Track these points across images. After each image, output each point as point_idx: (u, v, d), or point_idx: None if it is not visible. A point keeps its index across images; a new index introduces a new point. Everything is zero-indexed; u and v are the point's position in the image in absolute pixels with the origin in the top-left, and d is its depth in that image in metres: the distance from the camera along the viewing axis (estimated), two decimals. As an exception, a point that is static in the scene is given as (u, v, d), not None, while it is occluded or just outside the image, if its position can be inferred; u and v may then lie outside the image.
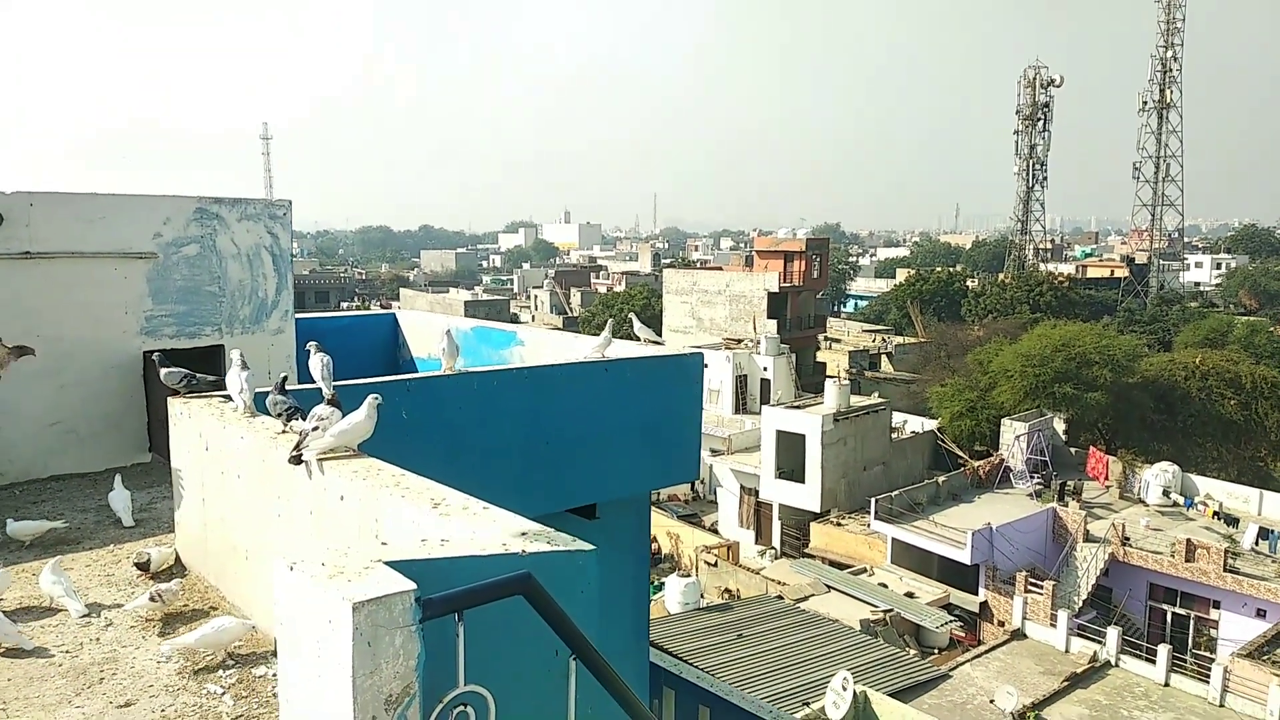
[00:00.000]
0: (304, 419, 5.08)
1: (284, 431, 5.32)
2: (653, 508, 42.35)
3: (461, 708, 2.85)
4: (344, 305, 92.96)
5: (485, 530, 3.47)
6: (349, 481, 4.41)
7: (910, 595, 30.83)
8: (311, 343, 6.32)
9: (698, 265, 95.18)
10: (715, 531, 41.21)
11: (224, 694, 4.72)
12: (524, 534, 3.41)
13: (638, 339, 9.21)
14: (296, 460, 4.78)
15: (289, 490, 4.91)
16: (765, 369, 49.89)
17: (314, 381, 6.14)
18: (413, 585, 2.68)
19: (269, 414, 5.65)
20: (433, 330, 11.48)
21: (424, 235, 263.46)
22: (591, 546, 3.33)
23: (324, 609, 2.66)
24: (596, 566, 3.33)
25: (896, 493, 34.94)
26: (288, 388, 5.80)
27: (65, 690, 4.78)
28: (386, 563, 2.83)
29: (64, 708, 4.60)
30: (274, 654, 4.50)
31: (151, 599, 5.87)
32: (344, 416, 4.90)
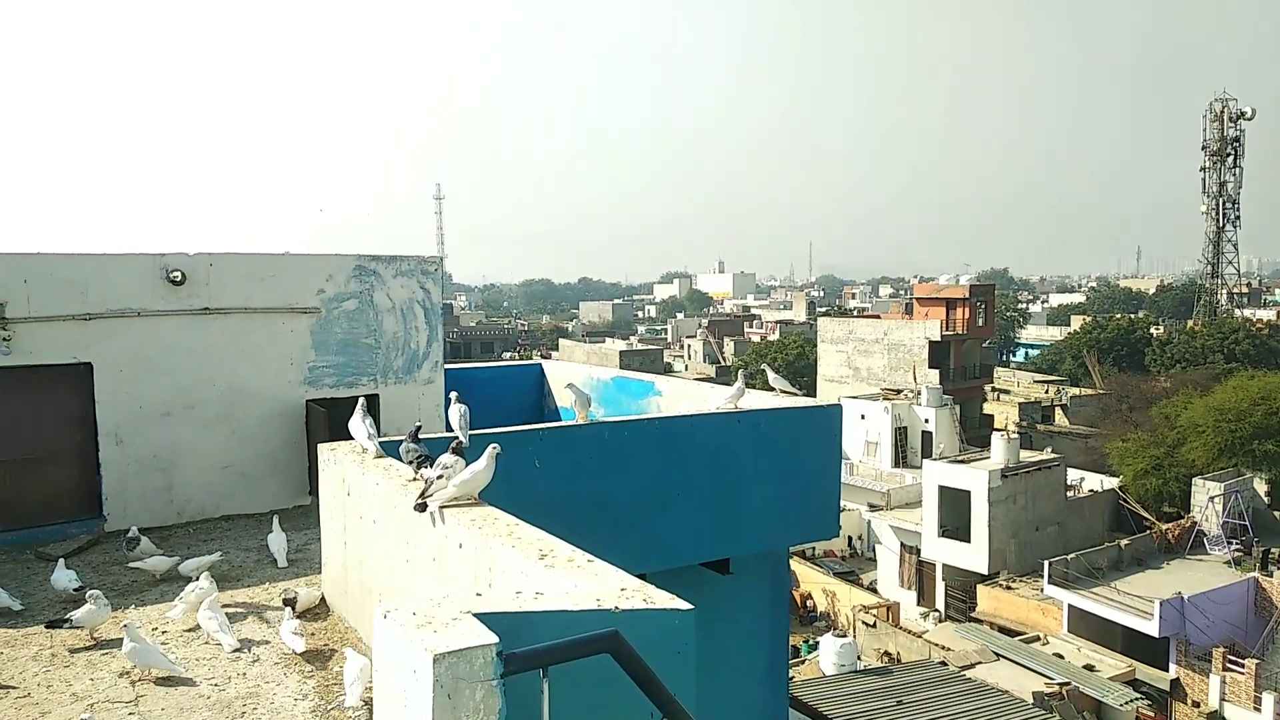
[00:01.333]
0: (432, 467, 5.25)
1: (414, 479, 5.50)
2: (807, 563, 41.40)
3: (547, 766, 2.79)
4: (506, 355, 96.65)
5: (584, 584, 3.43)
6: (467, 530, 4.49)
7: (1089, 668, 28.44)
8: (453, 393, 6.59)
9: (854, 313, 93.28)
10: (874, 590, 39.61)
11: (349, 735, 4.85)
12: (622, 590, 3.34)
13: (773, 390, 9.02)
14: (421, 508, 4.92)
15: (415, 536, 5.05)
16: (926, 421, 47.94)
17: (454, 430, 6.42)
18: (495, 639, 2.66)
19: (402, 460, 5.87)
20: (576, 380, 11.70)
21: (583, 287, 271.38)
22: (689, 606, 3.21)
23: (409, 658, 2.67)
24: (694, 627, 3.21)
25: (1073, 555, 32.54)
26: (421, 436, 6.04)
27: (209, 722, 5.05)
28: (475, 614, 2.83)
29: (206, 739, 4.86)
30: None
31: (285, 602, 6.32)
32: (468, 465, 5.03)
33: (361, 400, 6.66)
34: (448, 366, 11.14)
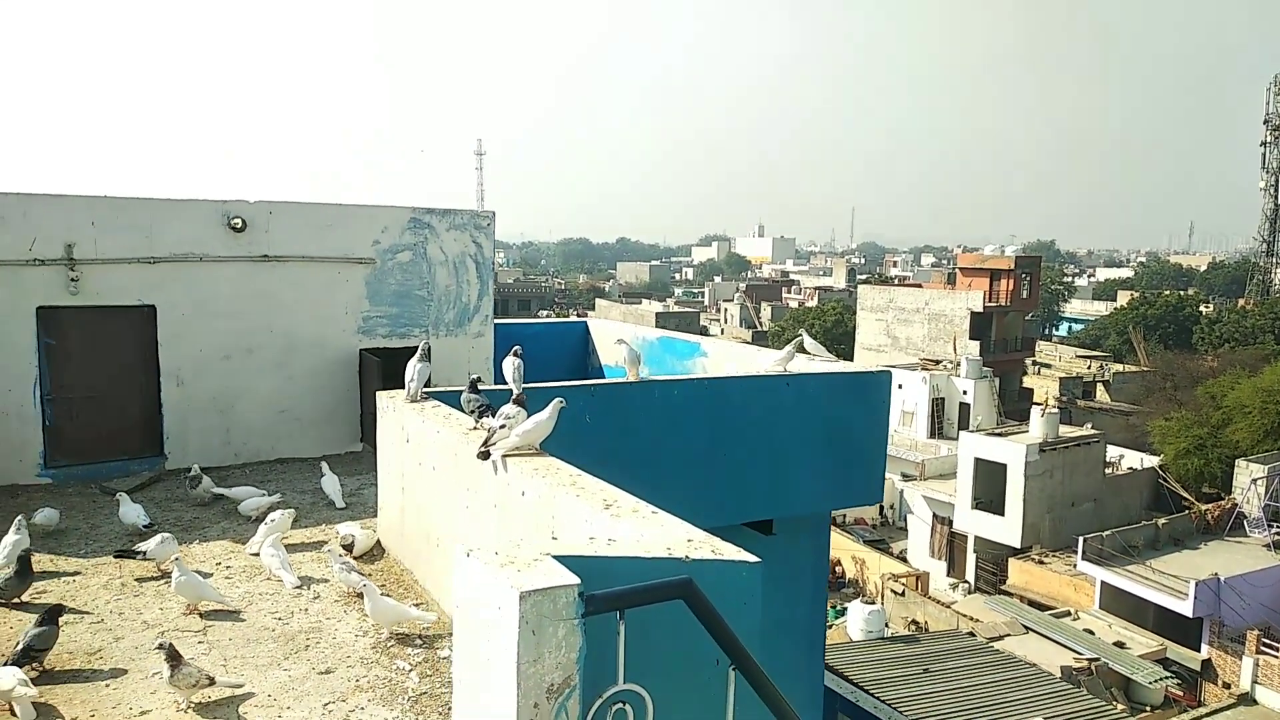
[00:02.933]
0: (494, 417, 5.36)
1: (475, 428, 5.63)
2: (838, 530, 41.48)
3: (620, 705, 2.90)
4: (543, 313, 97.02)
5: (652, 534, 3.52)
6: (529, 479, 4.59)
7: (1120, 645, 28.33)
8: (517, 346, 6.70)
9: (895, 281, 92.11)
10: (904, 560, 39.63)
11: (411, 670, 5.04)
12: (690, 541, 3.42)
13: (808, 354, 8.99)
14: (484, 456, 5.04)
15: (476, 484, 5.18)
16: (965, 392, 47.49)
17: (507, 383, 6.56)
18: (577, 580, 2.75)
19: (463, 410, 6.00)
20: (623, 338, 11.78)
21: (621, 247, 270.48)
22: (757, 559, 3.29)
23: (494, 595, 2.78)
24: (761, 580, 3.29)
25: (1109, 533, 32.23)
26: (480, 387, 6.16)
27: (275, 654, 5.27)
28: (555, 557, 2.93)
29: (273, 669, 5.07)
30: (455, 637, 4.77)
31: (343, 546, 6.61)
32: (529, 416, 5.13)
33: (424, 345, 6.80)
34: (496, 321, 11.26)
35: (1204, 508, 35.30)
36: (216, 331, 9.28)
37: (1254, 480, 34.52)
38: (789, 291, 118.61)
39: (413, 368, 6.62)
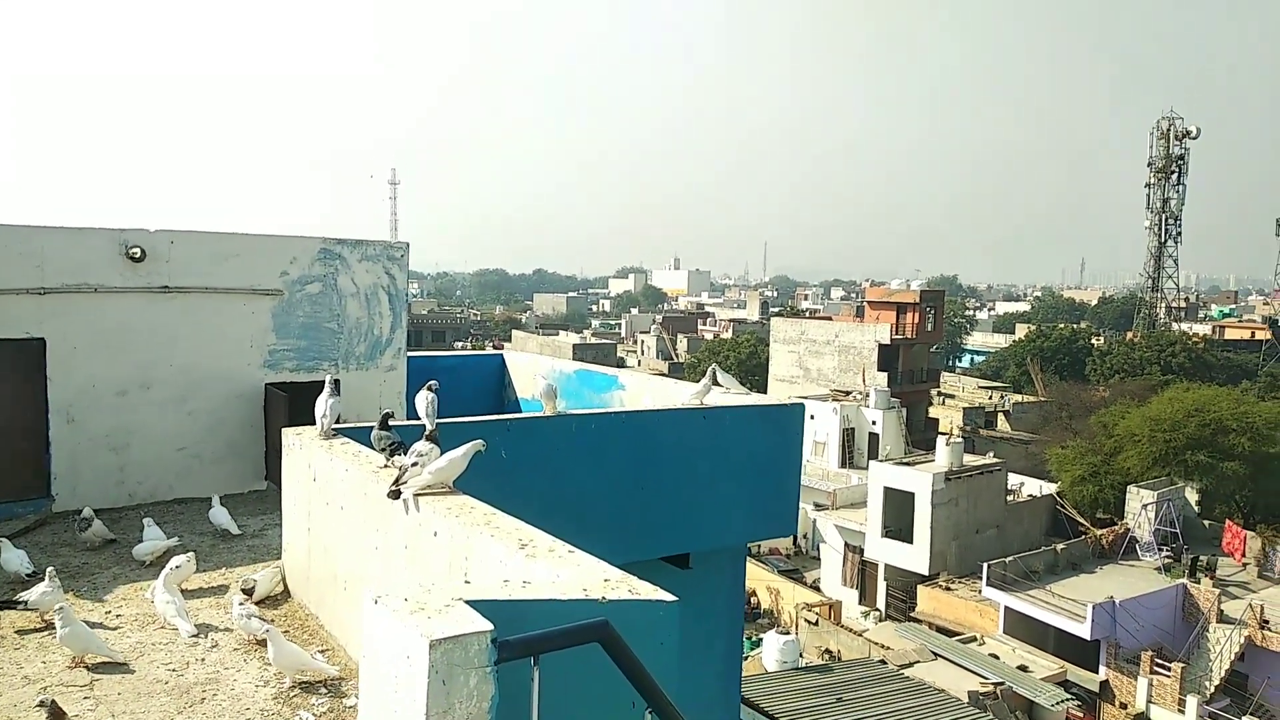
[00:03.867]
0: (405, 454, 5.23)
1: (386, 466, 5.48)
2: (753, 561, 41.81)
3: (534, 754, 2.82)
4: (458, 345, 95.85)
5: (569, 574, 3.47)
6: (442, 518, 4.49)
7: (1023, 669, 29.20)
8: (431, 381, 6.57)
9: (806, 314, 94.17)
10: (817, 589, 40.15)
11: (314, 721, 4.83)
12: (606, 580, 3.38)
13: (721, 387, 9.10)
14: (395, 495, 4.91)
15: (387, 524, 5.03)
16: (874, 423, 48.72)
17: (420, 418, 6.43)
18: (490, 626, 2.69)
19: (373, 448, 5.84)
20: (539, 372, 11.70)
21: (538, 279, 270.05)
22: (674, 598, 3.27)
23: (403, 644, 2.69)
24: (678, 619, 3.27)
25: (1011, 559, 33.32)
26: (392, 423, 6.01)
27: (169, 708, 4.98)
28: (467, 601, 2.85)
29: (166, 724, 4.79)
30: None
31: (243, 590, 6.29)
32: (443, 453, 5.02)
33: (331, 378, 6.61)
34: (409, 354, 11.06)
35: (1099, 533, 36.85)
36: (111, 366, 8.85)
37: (1144, 506, 36.22)
38: (704, 323, 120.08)
39: (324, 403, 6.43)
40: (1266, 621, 28.81)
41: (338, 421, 6.66)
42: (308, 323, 9.81)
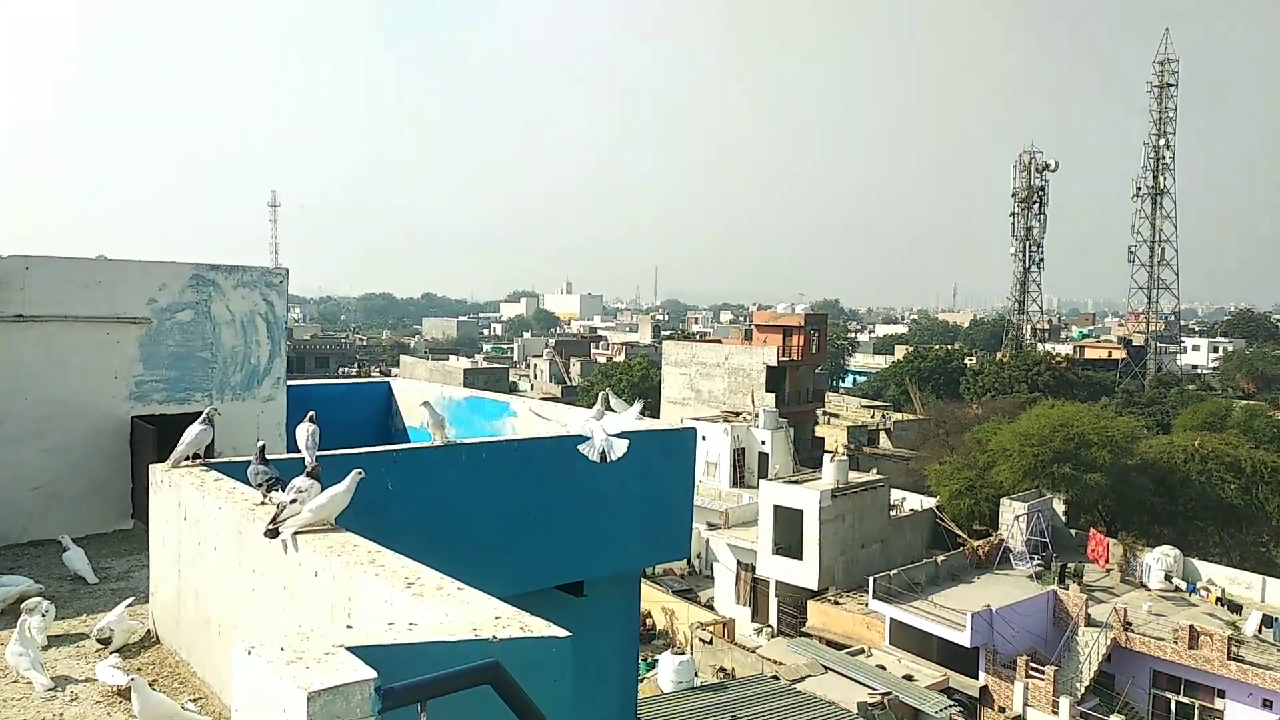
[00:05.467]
0: (284, 490, 5.00)
1: (263, 503, 5.23)
2: (648, 582, 41.86)
3: (423, 803, 2.71)
4: (343, 371, 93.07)
5: (458, 613, 3.37)
6: (323, 557, 4.30)
7: (909, 678, 30.12)
8: (311, 412, 6.35)
9: (697, 337, 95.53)
10: (711, 608, 40.49)
11: (185, 778, 4.54)
12: (498, 618, 3.30)
13: (613, 412, 9.10)
14: (273, 534, 4.68)
15: (263, 564, 4.80)
16: (763, 442, 49.65)
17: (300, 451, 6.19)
18: (373, 674, 2.57)
19: (249, 483, 5.56)
20: (430, 399, 11.43)
21: (426, 303, 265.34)
22: (566, 634, 3.22)
23: (279, 697, 2.55)
24: (571, 654, 3.22)
25: (895, 571, 34.41)
26: (270, 457, 5.75)
27: (20, 771, 4.60)
28: (349, 648, 2.73)
29: (17, 790, 4.42)
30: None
31: (99, 640, 5.91)
32: (324, 488, 4.83)
33: (210, 410, 6.29)
34: (288, 383, 10.64)
35: (975, 544, 38.46)
36: (-43, 400, 8.20)
37: (1016, 517, 38.04)
38: (597, 347, 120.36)
39: (189, 431, 6.11)
40: (1130, 624, 30.60)
41: (209, 454, 6.32)
42: (179, 352, 9.32)
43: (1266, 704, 27.63)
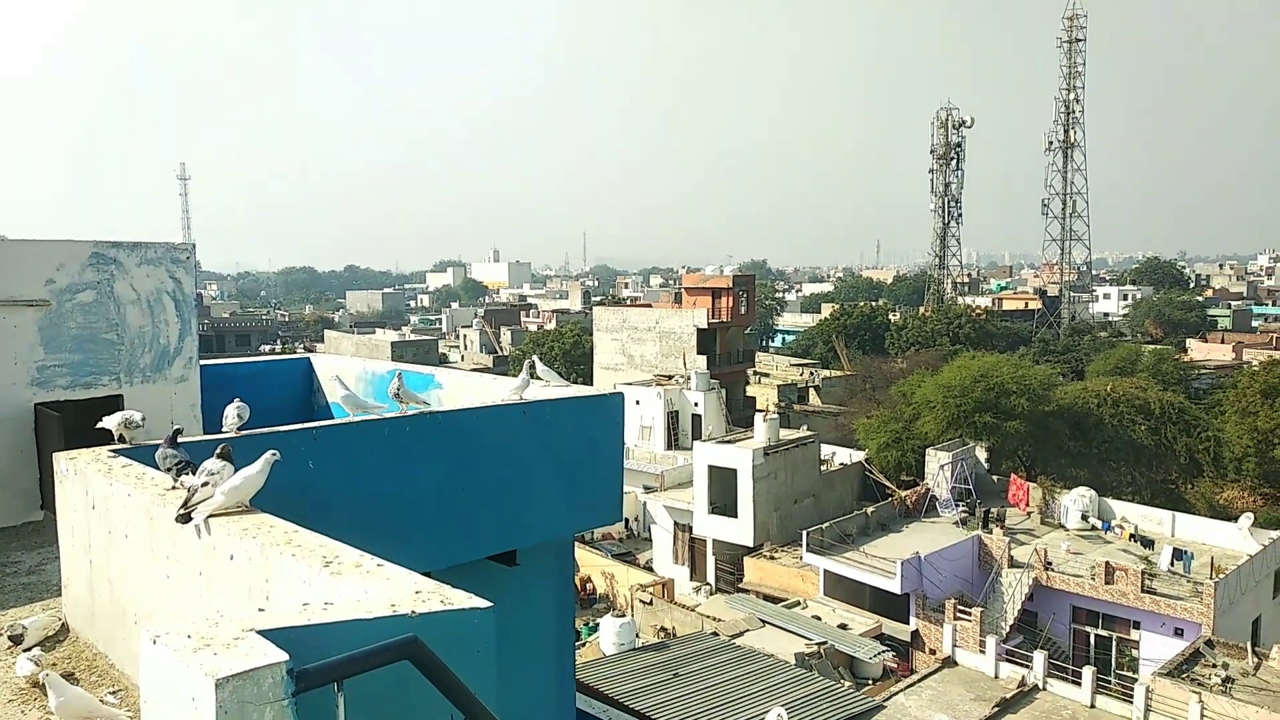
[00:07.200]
0: (195, 474, 4.83)
1: (174, 488, 5.05)
2: (587, 547, 42.05)
3: (346, 784, 2.67)
4: (265, 348, 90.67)
5: (377, 590, 3.30)
6: (239, 540, 4.18)
7: (844, 627, 30.98)
8: (236, 399, 6.25)
9: (628, 303, 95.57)
10: (650, 569, 40.94)
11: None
12: (418, 592, 3.25)
13: (540, 380, 9.04)
14: (185, 519, 4.53)
15: (177, 550, 4.64)
16: (696, 405, 50.10)
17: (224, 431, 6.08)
18: (284, 656, 2.50)
19: (159, 468, 5.37)
20: (349, 374, 11.18)
21: (350, 275, 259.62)
22: (488, 604, 3.18)
23: (187, 685, 2.46)
24: (493, 625, 3.18)
25: (827, 524, 35.22)
26: (182, 440, 5.55)
27: (-74, 777, 4.41)
28: (260, 631, 2.65)
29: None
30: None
31: (10, 638, 5.70)
32: (237, 470, 4.68)
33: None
34: (203, 362, 10.29)
35: (903, 494, 39.59)
36: None
37: (941, 466, 39.20)
38: (528, 315, 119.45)
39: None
40: (1050, 563, 31.91)
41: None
42: (82, 335, 8.91)
43: (1178, 632, 29.18)
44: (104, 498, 5.48)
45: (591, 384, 56.83)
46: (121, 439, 6.35)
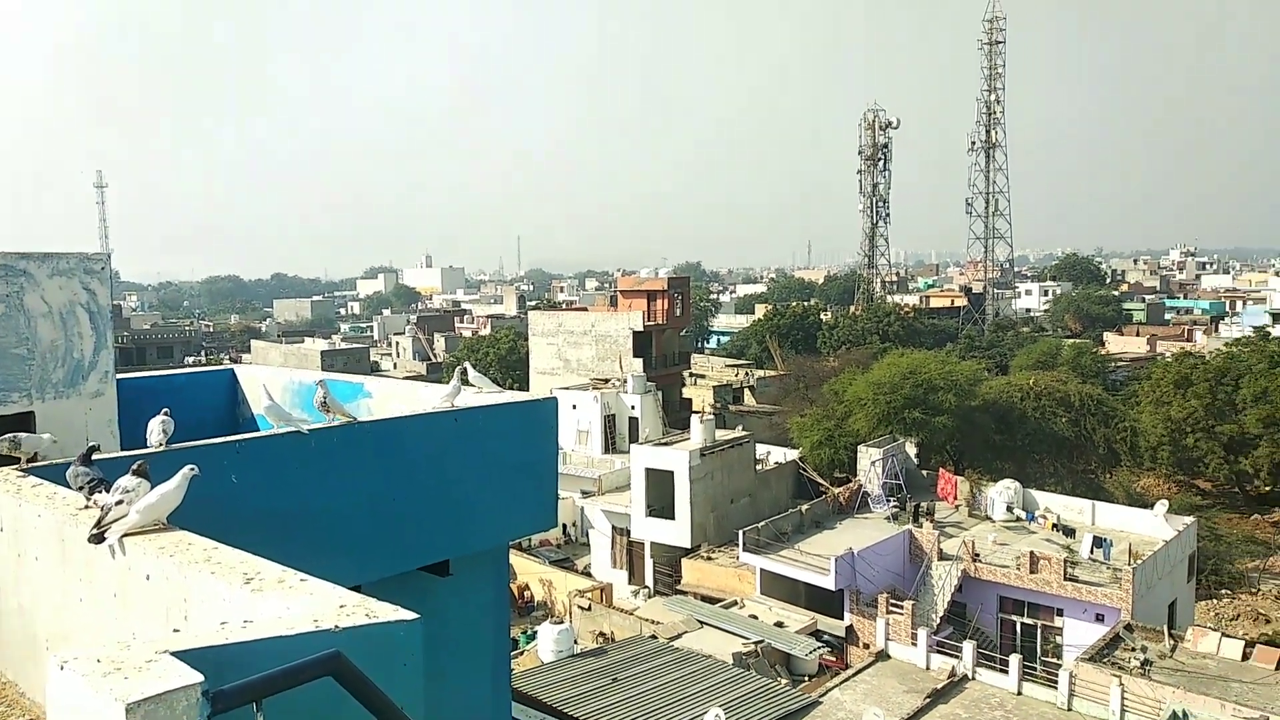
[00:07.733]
0: (109, 492, 4.69)
1: (86, 507, 4.89)
2: (524, 554, 41.75)
3: (267, 805, 2.62)
4: (189, 360, 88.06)
5: (299, 605, 3.25)
6: (155, 560, 4.07)
7: (780, 624, 31.34)
8: (165, 408, 6.11)
9: (563, 306, 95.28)
10: (588, 574, 40.86)
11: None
12: (341, 607, 3.21)
13: (473, 387, 8.99)
14: (98, 539, 4.39)
15: (91, 572, 4.50)
16: (633, 408, 50.23)
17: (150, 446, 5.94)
18: (199, 678, 2.45)
19: (70, 487, 5.19)
20: (275, 385, 10.94)
21: (276, 284, 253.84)
22: (414, 616, 3.16)
23: (97, 712, 2.39)
24: (420, 637, 3.16)
25: (763, 524, 35.57)
26: (96, 457, 5.37)
27: None
28: (175, 653, 2.59)
29: None
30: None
31: None
32: (153, 487, 4.55)
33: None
34: (121, 376, 9.95)
35: (836, 491, 40.22)
36: None
37: (873, 462, 39.94)
38: (462, 321, 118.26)
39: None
40: (977, 555, 32.78)
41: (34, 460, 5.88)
42: (-12, 350, 8.55)
43: (1099, 618, 30.24)
44: (13, 519, 5.28)
45: (528, 389, 56.54)
46: (19, 459, 6.15)
